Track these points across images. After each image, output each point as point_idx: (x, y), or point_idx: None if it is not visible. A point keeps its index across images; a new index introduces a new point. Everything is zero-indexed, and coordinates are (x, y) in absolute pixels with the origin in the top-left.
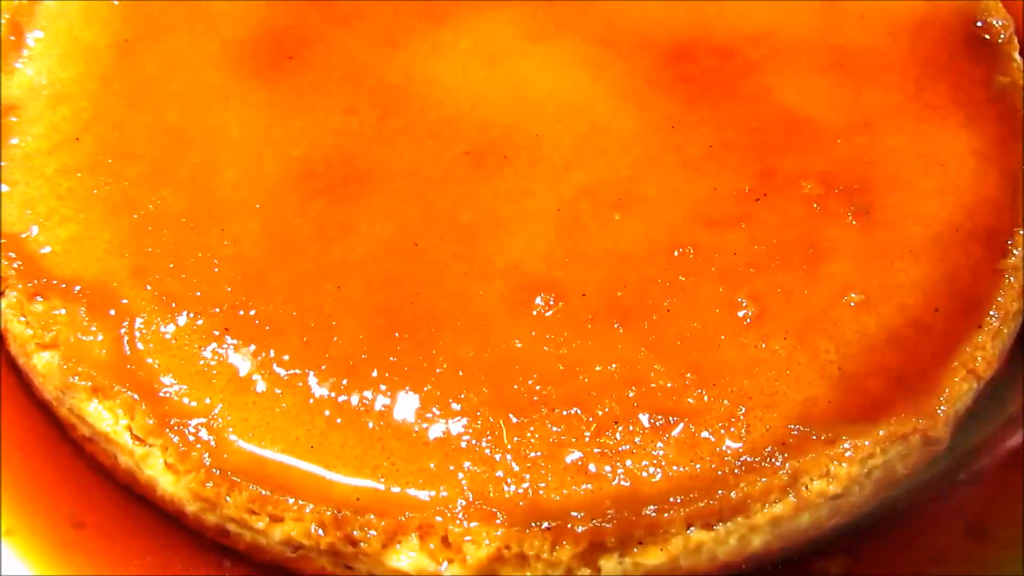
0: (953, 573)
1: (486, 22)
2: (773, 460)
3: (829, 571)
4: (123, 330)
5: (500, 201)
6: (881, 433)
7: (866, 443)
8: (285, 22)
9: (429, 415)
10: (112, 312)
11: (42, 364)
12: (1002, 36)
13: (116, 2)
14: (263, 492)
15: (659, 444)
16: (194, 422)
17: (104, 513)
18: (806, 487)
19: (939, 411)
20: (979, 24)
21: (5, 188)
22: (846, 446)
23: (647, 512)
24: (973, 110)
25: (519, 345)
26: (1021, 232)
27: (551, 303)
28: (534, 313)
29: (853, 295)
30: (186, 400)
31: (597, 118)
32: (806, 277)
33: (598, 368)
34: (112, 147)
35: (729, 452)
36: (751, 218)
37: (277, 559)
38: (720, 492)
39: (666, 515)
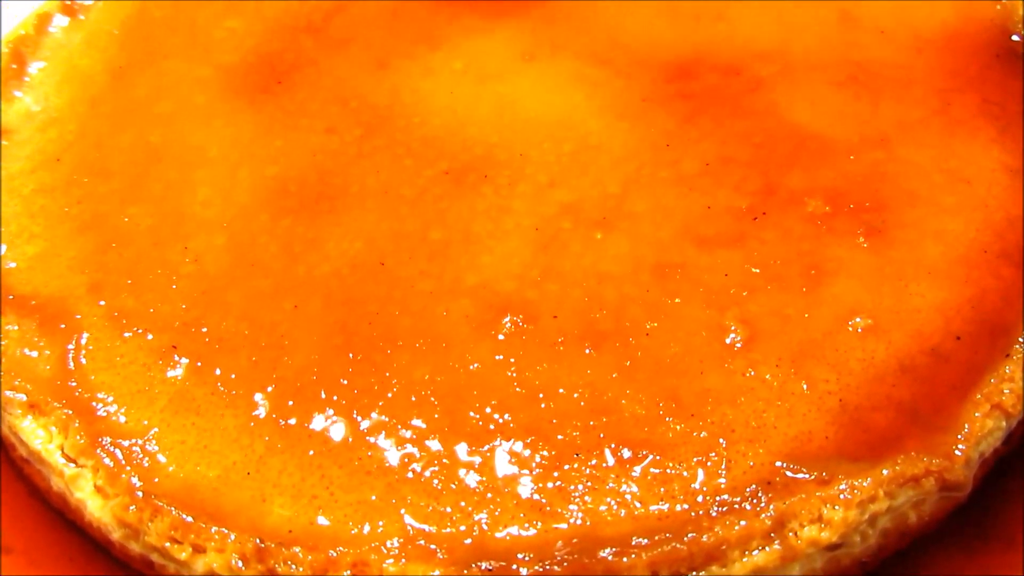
0: None
1: (481, 43)
2: (755, 501)
3: None
4: (70, 345)
5: (476, 219)
6: (885, 473)
7: (865, 483)
8: (279, 48)
9: (374, 442)
10: (62, 327)
11: None
12: None
13: (116, 32)
14: (186, 519)
15: (624, 479)
16: (127, 443)
17: (33, 540)
18: (794, 533)
19: (956, 450)
20: (1015, 38)
21: None
22: (842, 487)
23: (604, 555)
24: (1006, 124)
25: (478, 368)
26: None
27: (519, 324)
28: (500, 337)
29: (860, 320)
30: (122, 419)
31: (587, 136)
32: (806, 300)
33: (563, 393)
34: (89, 166)
35: (704, 490)
36: (747, 237)
37: None
38: (691, 535)
39: (625, 559)
